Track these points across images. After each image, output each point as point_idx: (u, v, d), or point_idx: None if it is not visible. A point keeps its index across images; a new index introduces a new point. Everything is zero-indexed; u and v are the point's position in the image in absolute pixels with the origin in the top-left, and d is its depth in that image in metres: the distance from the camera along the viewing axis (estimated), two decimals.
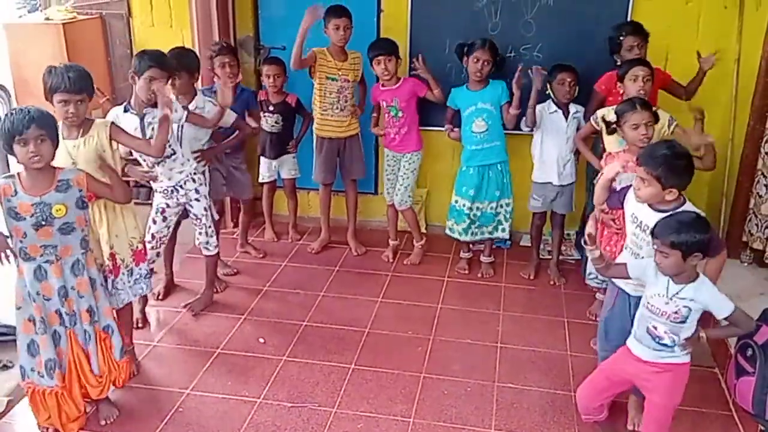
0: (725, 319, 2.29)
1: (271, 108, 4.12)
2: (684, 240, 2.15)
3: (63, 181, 2.47)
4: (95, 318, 2.65)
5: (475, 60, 3.70)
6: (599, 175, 2.78)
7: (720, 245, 2.46)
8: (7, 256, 2.47)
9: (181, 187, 3.34)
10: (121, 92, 4.46)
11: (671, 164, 2.31)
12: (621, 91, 3.20)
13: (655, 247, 2.20)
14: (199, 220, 3.43)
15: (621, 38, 3.45)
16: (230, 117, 3.57)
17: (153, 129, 3.02)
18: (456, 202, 3.98)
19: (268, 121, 4.14)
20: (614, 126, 2.88)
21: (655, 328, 2.31)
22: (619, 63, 3.44)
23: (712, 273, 2.40)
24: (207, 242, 3.51)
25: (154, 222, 3.38)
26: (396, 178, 4.12)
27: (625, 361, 2.42)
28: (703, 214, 2.31)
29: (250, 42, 4.40)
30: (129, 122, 3.03)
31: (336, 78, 3.95)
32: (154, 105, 3.03)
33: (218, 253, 3.63)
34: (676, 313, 2.26)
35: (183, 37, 4.21)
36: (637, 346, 2.38)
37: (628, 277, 2.43)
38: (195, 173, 3.37)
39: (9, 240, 2.48)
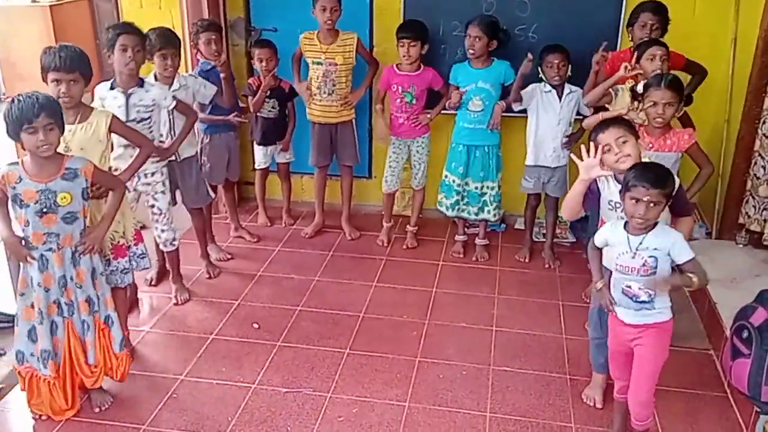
0: (682, 266, 2.28)
1: (266, 93, 4.06)
2: (672, 183, 2.24)
3: (71, 170, 2.44)
4: (95, 308, 2.63)
5: (468, 36, 3.67)
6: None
7: (690, 206, 2.53)
8: (27, 260, 2.48)
9: (145, 175, 3.20)
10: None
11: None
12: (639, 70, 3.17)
13: (647, 198, 2.18)
14: (163, 215, 3.31)
15: (638, 13, 3.42)
16: (211, 90, 3.53)
17: (138, 111, 2.98)
18: (446, 177, 3.98)
19: (264, 107, 4.09)
20: (639, 97, 2.84)
21: (629, 287, 2.31)
22: (631, 39, 3.46)
23: (686, 233, 2.45)
24: (173, 238, 3.40)
25: None
26: (399, 167, 4.09)
27: (616, 330, 2.44)
28: None
29: (240, 24, 4.33)
30: (114, 100, 2.98)
31: (320, 62, 3.90)
32: (140, 84, 3.00)
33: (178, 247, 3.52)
34: (644, 265, 2.27)
35: (172, 18, 4.14)
36: (620, 311, 2.39)
37: (599, 248, 2.44)
38: (164, 166, 3.29)
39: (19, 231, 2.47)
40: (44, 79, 2.62)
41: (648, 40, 3.23)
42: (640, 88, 2.82)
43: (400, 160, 4.08)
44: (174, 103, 3.16)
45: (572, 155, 2.45)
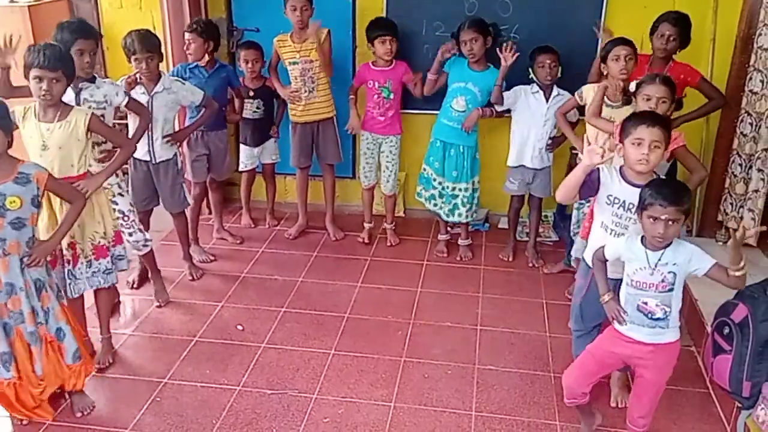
0: (707, 275, 2.27)
1: (251, 93, 4.05)
2: (689, 199, 2.21)
3: (23, 174, 2.38)
4: (39, 320, 2.52)
5: (464, 43, 3.69)
6: (577, 158, 2.74)
7: None
8: None
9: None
10: None
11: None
12: (605, 73, 3.18)
13: (665, 216, 2.15)
14: (127, 218, 3.24)
15: (659, 22, 3.40)
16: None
17: (89, 107, 2.90)
18: (424, 170, 4.02)
19: (249, 108, 4.07)
20: (631, 96, 2.83)
21: (645, 303, 2.28)
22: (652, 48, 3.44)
23: None
24: (145, 240, 3.36)
25: None
26: (375, 161, 4.10)
27: (618, 344, 2.38)
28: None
29: (222, 24, 4.30)
30: (65, 95, 2.92)
31: (296, 61, 3.89)
32: (91, 80, 2.96)
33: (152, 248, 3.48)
34: (662, 282, 2.24)
35: (153, 19, 4.10)
36: (630, 328, 2.33)
37: (606, 260, 2.41)
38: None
39: None
40: (26, 76, 2.59)
41: (614, 39, 3.22)
42: (632, 86, 2.83)
43: (374, 154, 4.09)
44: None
45: (587, 126, 2.42)
